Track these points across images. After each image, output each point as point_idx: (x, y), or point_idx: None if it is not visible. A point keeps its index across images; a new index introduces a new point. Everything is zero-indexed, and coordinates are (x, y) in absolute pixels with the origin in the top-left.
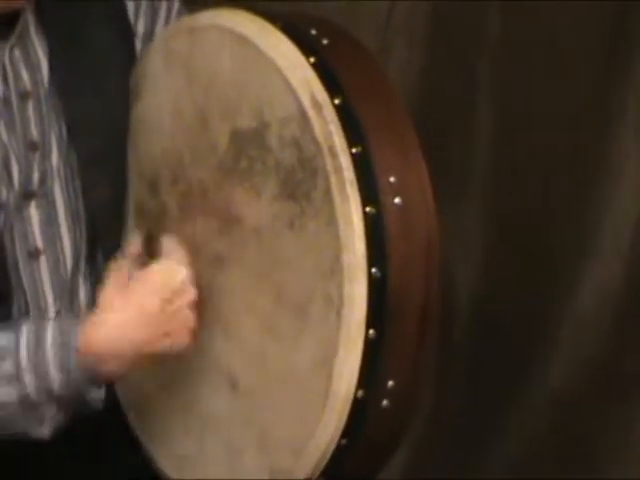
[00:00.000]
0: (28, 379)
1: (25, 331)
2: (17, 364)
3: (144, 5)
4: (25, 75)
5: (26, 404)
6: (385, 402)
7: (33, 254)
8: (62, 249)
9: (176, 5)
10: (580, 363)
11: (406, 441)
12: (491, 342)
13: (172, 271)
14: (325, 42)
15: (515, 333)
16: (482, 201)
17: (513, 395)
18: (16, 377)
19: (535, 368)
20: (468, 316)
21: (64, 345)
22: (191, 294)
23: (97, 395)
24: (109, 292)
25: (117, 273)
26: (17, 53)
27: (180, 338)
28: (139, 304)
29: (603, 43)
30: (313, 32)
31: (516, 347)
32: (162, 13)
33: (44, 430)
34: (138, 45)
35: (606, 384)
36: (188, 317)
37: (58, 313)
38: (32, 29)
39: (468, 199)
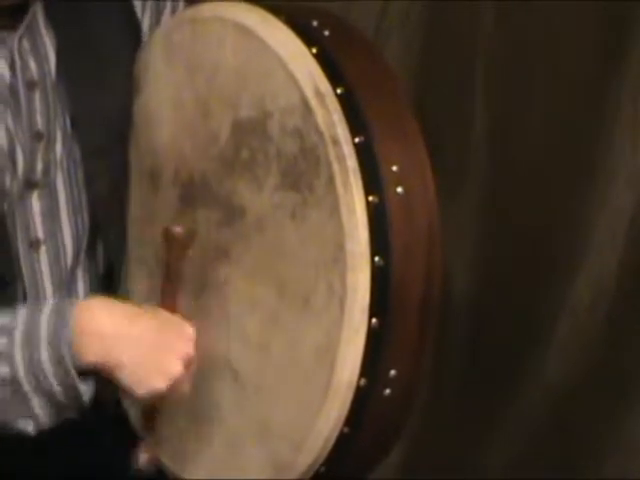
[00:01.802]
0: (19, 357)
1: (23, 310)
2: (11, 342)
3: (150, 1)
4: (33, 65)
5: (15, 386)
6: (387, 391)
7: (34, 244)
8: (62, 240)
9: (181, 4)
10: (576, 358)
11: (402, 438)
12: (487, 337)
13: (182, 324)
14: (327, 33)
15: (511, 328)
16: (478, 197)
17: (509, 390)
18: (9, 354)
19: (531, 363)
20: (464, 311)
21: (59, 319)
22: (189, 350)
23: (85, 390)
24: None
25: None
26: (25, 43)
27: (157, 378)
28: (141, 324)
29: (598, 41)
30: (315, 24)
31: (512, 342)
32: (167, 11)
33: (29, 426)
34: (144, 41)
35: (602, 379)
36: (175, 366)
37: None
38: (41, 21)
39: (464, 195)
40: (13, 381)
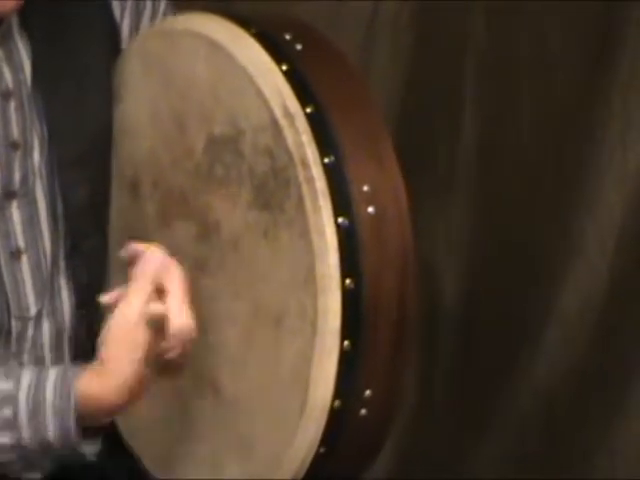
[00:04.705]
0: (25, 427)
1: (27, 378)
2: (15, 412)
3: (129, 5)
4: (7, 74)
5: (19, 451)
6: (363, 411)
7: (15, 254)
8: (44, 249)
9: (162, 6)
10: (565, 363)
11: (395, 440)
12: (475, 342)
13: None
14: (299, 47)
15: (499, 333)
16: (467, 202)
17: (498, 395)
18: (14, 424)
19: (521, 367)
20: (452, 316)
21: (64, 395)
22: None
23: (91, 450)
24: (113, 342)
25: (119, 320)
26: (0, 53)
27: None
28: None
29: (589, 43)
30: (287, 37)
31: (501, 346)
32: (147, 14)
33: (36, 475)
34: (124, 46)
35: (590, 384)
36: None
37: (39, 314)
38: (15, 30)
39: (453, 199)
40: (17, 446)
